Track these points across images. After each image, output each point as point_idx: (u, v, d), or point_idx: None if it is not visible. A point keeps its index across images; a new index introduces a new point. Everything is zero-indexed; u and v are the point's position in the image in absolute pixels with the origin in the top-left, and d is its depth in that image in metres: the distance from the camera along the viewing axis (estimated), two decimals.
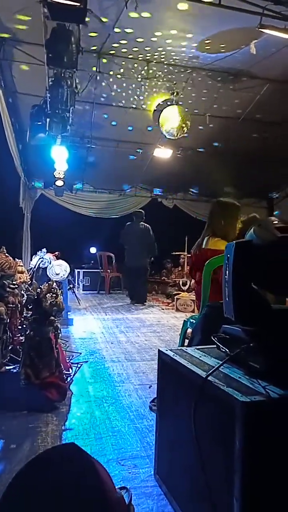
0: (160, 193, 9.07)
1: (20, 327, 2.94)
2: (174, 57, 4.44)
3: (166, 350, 1.69)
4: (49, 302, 2.54)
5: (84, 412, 2.42)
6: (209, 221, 2.68)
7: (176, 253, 8.50)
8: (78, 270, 9.59)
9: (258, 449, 1.12)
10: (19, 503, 0.63)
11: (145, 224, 7.44)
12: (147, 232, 7.34)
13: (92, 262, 9.99)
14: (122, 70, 4.70)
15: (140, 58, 4.49)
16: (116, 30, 3.81)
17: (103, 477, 0.70)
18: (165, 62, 4.56)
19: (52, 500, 0.64)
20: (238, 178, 7.19)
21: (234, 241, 1.43)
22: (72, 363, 3.29)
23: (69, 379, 2.86)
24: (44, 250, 4.86)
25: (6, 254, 2.64)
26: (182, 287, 7.33)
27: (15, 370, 2.52)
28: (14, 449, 1.97)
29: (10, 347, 2.68)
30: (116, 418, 2.33)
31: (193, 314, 3.76)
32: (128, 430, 2.18)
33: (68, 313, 5.31)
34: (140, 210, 7.83)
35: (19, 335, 2.91)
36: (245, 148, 6.41)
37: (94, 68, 4.50)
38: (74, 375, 3.03)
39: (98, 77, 4.75)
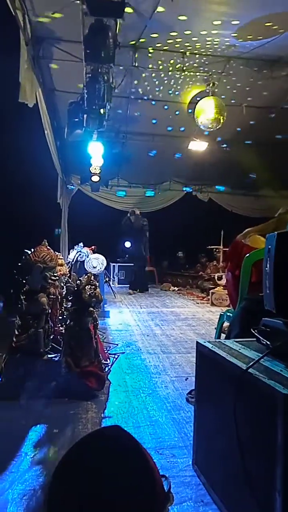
0: (195, 186, 8.98)
1: (60, 317, 3.04)
2: (210, 47, 4.36)
3: (205, 342, 1.70)
4: (88, 293, 2.61)
5: (122, 401, 2.48)
6: (271, 225, 2.51)
7: (212, 247, 8.41)
8: (114, 264, 9.73)
9: None
10: (71, 478, 0.66)
11: (144, 219, 8.22)
12: (146, 227, 8.10)
13: (127, 256, 10.10)
14: (157, 63, 4.68)
15: (175, 50, 4.45)
16: (153, 22, 3.79)
17: (148, 457, 0.72)
18: (201, 53, 4.49)
19: (103, 474, 0.67)
20: (276, 170, 6.97)
21: (276, 232, 1.41)
22: (109, 353, 3.37)
23: (107, 369, 2.94)
24: (81, 244, 4.97)
25: (48, 247, 2.74)
26: (217, 281, 7.24)
27: (56, 359, 2.61)
28: (57, 433, 2.05)
29: (51, 337, 2.79)
30: (153, 409, 2.37)
31: (229, 308, 3.71)
32: (166, 420, 2.21)
33: (105, 306, 5.42)
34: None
35: (59, 325, 3.02)
36: (285, 138, 6.20)
37: (130, 63, 4.52)
38: (111, 365, 3.11)
39: (133, 72, 4.76)
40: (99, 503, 0.64)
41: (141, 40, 4.20)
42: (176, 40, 4.22)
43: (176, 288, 8.96)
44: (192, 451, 1.78)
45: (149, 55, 4.48)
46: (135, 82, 5.06)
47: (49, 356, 2.63)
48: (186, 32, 4.03)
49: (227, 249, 2.91)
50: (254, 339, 1.56)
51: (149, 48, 4.37)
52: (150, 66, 4.67)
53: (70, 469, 0.68)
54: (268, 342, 1.41)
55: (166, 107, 5.64)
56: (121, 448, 0.73)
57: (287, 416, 1.09)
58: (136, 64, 4.54)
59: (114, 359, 3.29)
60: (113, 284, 8.85)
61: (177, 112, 5.78)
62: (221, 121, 4.89)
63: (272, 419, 1.13)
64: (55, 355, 2.66)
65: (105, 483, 0.65)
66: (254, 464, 1.25)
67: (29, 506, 1.49)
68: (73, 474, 0.67)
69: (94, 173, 6.91)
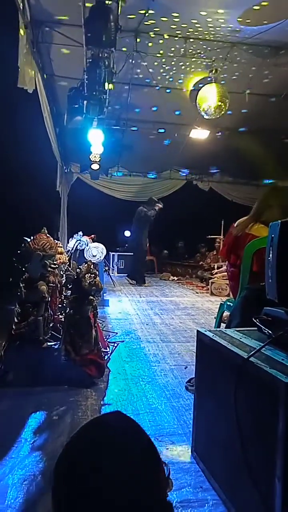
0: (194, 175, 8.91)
1: (60, 306, 3.04)
2: (213, 33, 4.27)
3: (205, 331, 1.70)
4: (88, 282, 2.60)
5: (122, 389, 2.49)
6: (258, 205, 2.51)
7: (212, 236, 8.38)
8: (113, 253, 9.72)
9: None
10: (74, 472, 0.66)
11: (141, 208, 7.73)
12: (139, 215, 7.64)
13: (126, 245, 10.08)
14: (159, 49, 4.58)
15: (178, 35, 4.35)
16: (155, 5, 3.70)
17: (151, 441, 0.72)
18: (204, 39, 4.39)
19: (112, 453, 0.67)
20: (279, 159, 6.90)
21: (280, 221, 1.39)
22: (109, 342, 3.38)
23: (106, 357, 2.95)
24: (80, 233, 4.95)
25: (47, 235, 2.71)
26: (215, 269, 7.24)
27: (56, 347, 2.62)
28: (57, 420, 2.07)
29: (51, 325, 2.79)
30: (152, 396, 2.38)
31: (229, 297, 3.71)
32: (165, 408, 2.22)
33: (104, 294, 5.42)
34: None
35: (59, 313, 3.02)
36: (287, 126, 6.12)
37: (131, 48, 4.42)
38: (111, 353, 3.12)
39: (134, 57, 4.67)
40: (103, 495, 0.64)
41: (142, 24, 4.11)
42: (179, 25, 4.12)
43: (175, 278, 8.97)
44: (191, 438, 1.79)
45: (151, 41, 4.38)
46: (137, 68, 4.96)
47: (48, 344, 2.63)
48: (189, 16, 3.94)
49: (225, 239, 2.87)
50: (255, 328, 1.56)
51: (150, 32, 4.27)
52: (151, 51, 4.57)
53: (72, 462, 0.67)
54: (269, 331, 1.40)
55: (167, 93, 5.55)
56: (129, 429, 0.73)
57: None
58: (137, 49, 4.45)
59: (114, 347, 3.31)
60: (112, 273, 8.85)
61: (179, 100, 5.69)
62: (224, 108, 4.81)
63: (273, 407, 1.13)
64: (55, 343, 2.67)
65: (107, 474, 0.65)
66: (254, 451, 1.26)
67: (29, 491, 1.51)
68: (76, 467, 0.66)
69: (94, 161, 6.84)
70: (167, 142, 7.10)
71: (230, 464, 1.40)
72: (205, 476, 1.60)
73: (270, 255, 1.47)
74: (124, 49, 4.38)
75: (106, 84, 3.67)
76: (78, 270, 2.71)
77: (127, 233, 10.23)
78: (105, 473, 0.64)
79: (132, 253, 8.36)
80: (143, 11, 3.83)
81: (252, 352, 1.30)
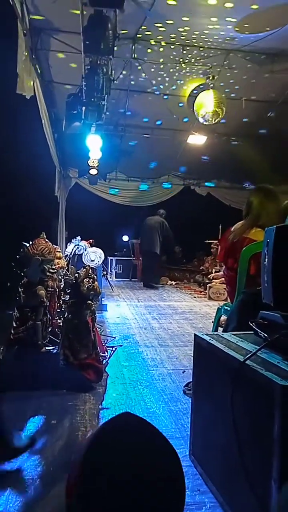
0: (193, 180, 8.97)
1: (58, 310, 3.05)
2: (211, 40, 4.33)
3: (202, 335, 1.71)
4: (86, 286, 2.62)
5: (120, 393, 2.50)
6: (249, 209, 2.57)
7: (209, 241, 8.42)
8: (111, 258, 9.73)
9: None
10: (102, 461, 0.68)
11: (162, 219, 8.27)
12: (162, 225, 8.18)
13: (125, 250, 10.11)
14: (157, 56, 4.64)
15: (175, 43, 4.42)
16: (152, 14, 3.75)
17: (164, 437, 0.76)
18: (201, 46, 4.46)
19: (133, 457, 0.69)
20: (276, 165, 6.96)
21: (275, 226, 1.42)
22: (107, 346, 3.39)
23: (104, 361, 2.96)
24: (78, 238, 4.97)
25: (46, 240, 2.73)
26: (213, 273, 7.27)
27: (54, 351, 2.63)
28: (55, 424, 2.07)
29: (49, 329, 2.80)
30: (150, 400, 2.39)
31: (226, 302, 3.74)
32: (163, 412, 2.23)
33: (102, 299, 5.43)
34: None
35: (57, 318, 3.03)
36: (284, 133, 6.18)
37: (129, 55, 4.48)
38: (109, 358, 3.12)
39: (132, 64, 4.73)
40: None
41: (140, 32, 4.17)
42: (176, 32, 4.18)
43: (173, 282, 8.99)
44: (189, 442, 1.80)
45: (149, 48, 4.44)
46: (134, 75, 5.02)
47: (47, 348, 2.64)
48: (186, 24, 3.99)
49: (222, 243, 2.90)
50: (252, 332, 1.58)
51: (148, 40, 4.33)
52: (147, 58, 4.63)
53: (98, 453, 0.70)
54: (265, 335, 1.42)
55: (165, 99, 5.60)
56: (147, 431, 0.76)
57: (284, 407, 1.11)
58: (136, 56, 4.50)
59: (112, 351, 3.31)
60: (110, 277, 8.86)
61: (177, 105, 5.75)
62: (221, 114, 4.87)
63: (269, 410, 1.15)
64: (53, 347, 2.68)
65: (138, 463, 0.68)
66: (251, 454, 1.27)
67: (28, 495, 1.51)
68: (103, 457, 0.69)
69: (92, 166, 6.88)
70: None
71: (227, 467, 1.42)
72: (202, 479, 1.61)
73: (266, 260, 1.49)
74: (121, 57, 4.43)
75: (104, 91, 3.71)
76: (76, 274, 2.73)
77: (125, 238, 10.27)
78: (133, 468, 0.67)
79: (143, 259, 8.66)
80: (140, 20, 3.89)
81: (248, 355, 1.32)
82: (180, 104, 5.69)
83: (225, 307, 2.92)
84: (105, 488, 0.67)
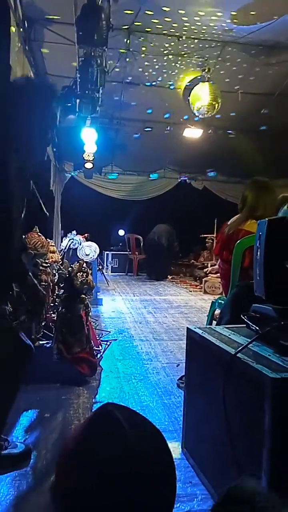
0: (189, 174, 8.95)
1: (52, 304, 3.04)
2: (206, 31, 4.28)
3: (195, 328, 1.71)
4: (80, 280, 2.61)
5: (114, 387, 2.50)
6: (244, 202, 2.56)
7: (204, 235, 8.42)
8: (107, 252, 9.72)
9: (287, 424, 1.12)
10: (95, 451, 0.68)
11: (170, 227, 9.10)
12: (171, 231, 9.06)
13: (121, 244, 10.09)
14: (152, 48, 4.58)
15: (171, 34, 4.36)
16: (147, 4, 3.70)
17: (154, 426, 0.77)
18: (197, 37, 4.40)
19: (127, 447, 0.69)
20: (272, 158, 6.94)
21: (267, 219, 1.41)
22: (102, 340, 3.39)
23: (99, 355, 2.96)
24: (74, 232, 4.94)
25: (39, 234, 2.71)
26: (208, 267, 7.27)
27: (48, 345, 2.62)
28: (48, 418, 2.07)
29: (43, 324, 2.79)
30: (144, 394, 2.39)
31: (221, 295, 3.75)
32: (156, 405, 2.24)
33: (98, 293, 5.43)
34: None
35: (51, 312, 3.02)
36: (280, 126, 6.15)
37: (124, 46, 4.42)
38: (104, 352, 3.13)
39: (127, 56, 4.67)
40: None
41: (135, 23, 4.10)
42: (171, 23, 4.12)
43: (169, 277, 8.99)
44: (181, 434, 1.81)
45: (143, 39, 4.38)
46: (129, 67, 4.96)
47: (40, 342, 2.63)
48: (182, 15, 3.94)
49: (218, 237, 2.90)
50: (244, 325, 1.58)
51: (143, 31, 4.27)
52: (144, 49, 4.57)
53: (91, 445, 0.69)
54: (257, 328, 1.42)
55: (160, 92, 5.55)
56: (139, 419, 0.76)
57: (274, 399, 1.11)
58: (130, 49, 4.45)
59: (106, 346, 3.31)
60: (106, 272, 8.85)
61: (172, 99, 5.70)
62: (216, 107, 4.84)
63: (260, 402, 1.15)
64: (47, 341, 2.67)
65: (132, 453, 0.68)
66: (242, 446, 1.28)
67: (20, 487, 1.51)
68: (95, 448, 0.68)
69: (87, 160, 6.83)
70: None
71: (219, 459, 1.42)
72: (194, 472, 1.62)
73: (258, 253, 1.48)
74: (115, 48, 4.37)
75: (99, 83, 3.66)
76: (70, 269, 2.71)
77: (121, 232, 10.24)
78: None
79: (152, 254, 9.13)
80: (134, 10, 3.83)
81: (240, 348, 1.32)
82: (175, 101, 5.64)
83: (219, 301, 2.92)
84: (94, 482, 0.67)
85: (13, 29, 3.46)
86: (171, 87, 5.42)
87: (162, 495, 0.74)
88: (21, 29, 3.82)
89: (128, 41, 4.36)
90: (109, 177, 8.54)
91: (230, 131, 6.62)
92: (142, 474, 0.70)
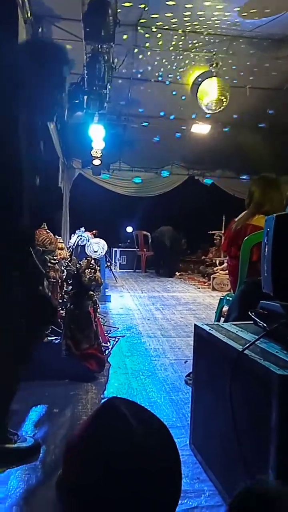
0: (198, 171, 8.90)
1: (60, 301, 3.06)
2: (214, 26, 4.24)
3: (202, 325, 1.71)
4: (88, 277, 2.62)
5: (122, 383, 2.51)
6: (251, 198, 2.55)
7: (212, 232, 8.38)
8: (115, 249, 9.74)
9: None
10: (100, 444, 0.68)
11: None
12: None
13: (129, 241, 10.10)
14: (159, 43, 4.56)
15: (178, 29, 4.33)
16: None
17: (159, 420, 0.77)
18: (204, 32, 4.37)
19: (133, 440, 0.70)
20: (281, 154, 6.86)
21: (275, 215, 1.40)
22: (110, 337, 3.40)
23: (107, 351, 2.97)
24: (82, 228, 4.96)
25: (47, 231, 2.73)
26: (218, 266, 7.25)
27: (57, 341, 2.64)
28: (57, 413, 2.09)
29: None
30: (152, 390, 2.40)
31: (229, 292, 3.73)
32: (164, 401, 2.24)
33: (106, 290, 5.45)
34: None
35: (59, 308, 3.03)
36: None
37: (131, 42, 4.40)
38: (112, 348, 3.14)
39: (135, 52, 4.65)
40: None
41: (142, 19, 4.08)
42: (179, 18, 4.09)
43: (177, 273, 8.98)
44: (189, 431, 1.81)
45: (151, 35, 4.36)
46: (137, 62, 4.94)
47: (49, 338, 2.65)
48: (189, 9, 3.90)
49: (226, 234, 2.89)
50: (252, 322, 1.57)
51: (150, 27, 4.24)
52: (149, 45, 4.55)
53: (96, 438, 0.70)
54: (265, 325, 1.41)
55: (168, 88, 5.53)
56: (146, 414, 0.77)
57: (282, 396, 1.10)
58: (137, 44, 4.43)
59: (115, 342, 3.33)
60: (114, 268, 8.88)
61: (180, 95, 5.66)
62: (224, 102, 4.80)
63: (267, 399, 1.14)
64: (56, 337, 2.69)
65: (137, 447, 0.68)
66: (249, 443, 1.28)
67: (29, 481, 1.53)
68: (101, 441, 0.69)
69: (95, 156, 6.84)
70: (178, 134, 7.07)
71: (226, 456, 1.42)
72: (202, 468, 1.62)
73: (266, 249, 1.47)
74: (123, 44, 4.36)
75: (106, 79, 3.66)
76: (78, 265, 2.73)
77: (129, 229, 10.26)
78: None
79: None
80: (142, 5, 3.81)
81: (247, 345, 1.31)
82: (183, 96, 5.61)
83: (227, 298, 2.90)
84: (101, 477, 0.67)
85: (20, 26, 3.48)
86: (179, 82, 5.39)
87: (167, 491, 0.75)
88: (29, 26, 3.83)
89: (135, 37, 4.34)
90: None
91: (238, 127, 6.55)
92: (148, 470, 0.70)
